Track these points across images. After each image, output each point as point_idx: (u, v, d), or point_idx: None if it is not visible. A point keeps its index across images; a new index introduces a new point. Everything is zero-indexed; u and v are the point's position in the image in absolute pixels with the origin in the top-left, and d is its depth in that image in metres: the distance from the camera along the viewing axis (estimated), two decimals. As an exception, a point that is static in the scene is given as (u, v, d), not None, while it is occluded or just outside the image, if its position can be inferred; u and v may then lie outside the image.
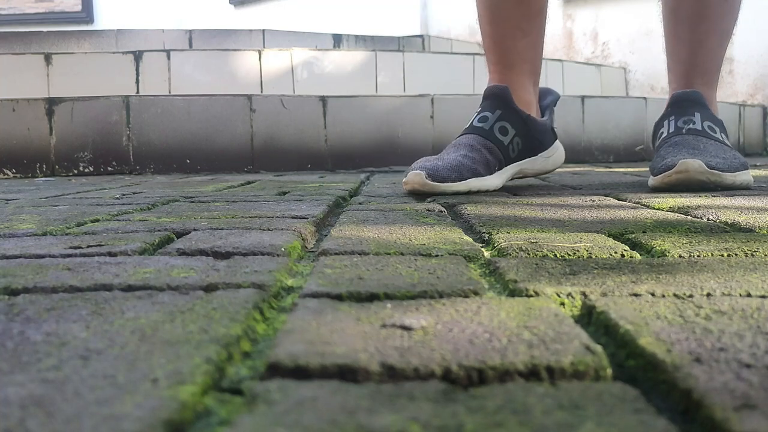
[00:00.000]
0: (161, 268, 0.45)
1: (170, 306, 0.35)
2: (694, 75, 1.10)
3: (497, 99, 1.08)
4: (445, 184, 0.96)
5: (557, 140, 1.17)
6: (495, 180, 1.04)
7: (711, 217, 0.69)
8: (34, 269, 0.45)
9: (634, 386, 0.25)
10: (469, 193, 1.00)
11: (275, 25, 3.70)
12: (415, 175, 0.95)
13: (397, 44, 3.36)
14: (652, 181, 1.01)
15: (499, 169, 1.05)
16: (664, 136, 1.08)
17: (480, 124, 1.06)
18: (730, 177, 0.97)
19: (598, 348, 0.28)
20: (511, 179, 1.11)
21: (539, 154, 1.12)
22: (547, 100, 1.17)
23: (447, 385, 0.25)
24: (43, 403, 0.23)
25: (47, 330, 0.31)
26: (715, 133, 1.06)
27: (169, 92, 2.25)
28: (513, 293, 0.39)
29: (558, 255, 0.50)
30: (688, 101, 1.08)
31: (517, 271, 0.44)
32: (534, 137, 1.10)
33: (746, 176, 1.01)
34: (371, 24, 4.02)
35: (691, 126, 1.05)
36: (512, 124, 1.07)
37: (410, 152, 1.93)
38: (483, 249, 0.55)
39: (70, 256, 0.51)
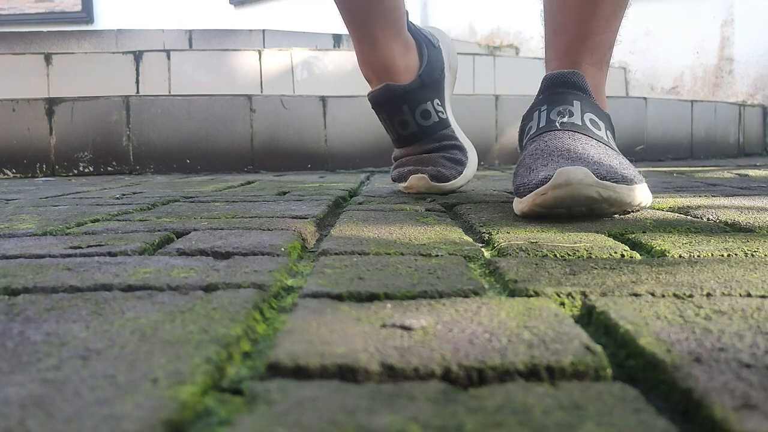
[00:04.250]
0: (161, 268, 0.45)
1: (170, 306, 0.35)
2: (581, 51, 0.82)
3: (390, 97, 1.00)
4: (448, 182, 1.00)
5: (437, 48, 1.07)
6: (473, 154, 1.04)
7: (711, 217, 0.69)
8: (34, 269, 0.45)
9: (634, 386, 0.25)
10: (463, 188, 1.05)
11: (275, 25, 3.70)
12: (419, 179, 0.99)
13: (397, 44, 3.35)
14: (519, 205, 0.71)
15: (460, 141, 1.04)
16: (532, 132, 0.79)
17: (406, 131, 1.02)
18: (626, 189, 0.67)
19: (598, 348, 0.28)
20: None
21: (445, 79, 1.06)
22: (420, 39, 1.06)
23: (447, 385, 0.25)
24: (43, 403, 0.23)
25: (47, 330, 0.31)
26: (599, 130, 0.76)
27: (169, 92, 2.25)
28: (513, 293, 0.39)
29: (558, 255, 0.50)
30: (567, 84, 0.79)
31: (517, 271, 0.44)
32: (433, 79, 1.03)
33: (646, 192, 0.72)
34: (371, 24, 4.01)
35: (566, 119, 0.76)
36: (422, 99, 1.00)
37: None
38: (483, 249, 0.55)
39: (70, 256, 0.51)
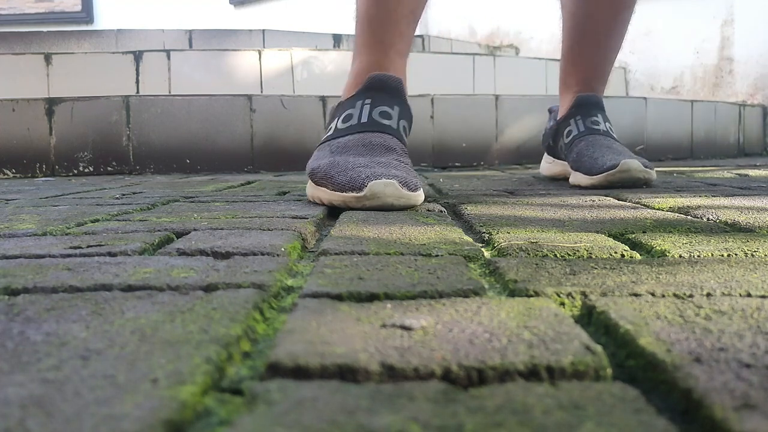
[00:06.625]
0: (161, 268, 0.45)
1: (170, 306, 0.35)
2: (595, 81, 1.30)
3: (395, 93, 0.94)
4: (416, 193, 0.80)
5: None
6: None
7: (711, 217, 0.69)
8: (34, 269, 0.45)
9: (634, 386, 0.25)
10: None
11: (275, 25, 3.70)
12: (387, 185, 0.77)
13: (397, 44, 3.35)
14: (589, 180, 1.13)
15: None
16: (574, 134, 1.25)
17: (387, 122, 0.92)
18: (653, 174, 1.12)
19: (598, 348, 0.28)
20: None
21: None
22: None
23: (447, 385, 0.25)
24: (43, 403, 0.23)
25: (47, 330, 0.31)
26: (613, 133, 1.25)
27: (169, 92, 2.25)
28: (513, 293, 0.39)
29: (558, 255, 0.50)
30: (591, 104, 1.26)
31: (517, 271, 0.44)
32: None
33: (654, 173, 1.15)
34: (371, 24, 4.01)
35: (596, 126, 1.23)
36: (408, 122, 0.96)
37: (410, 152, 1.92)
38: (483, 249, 0.55)
39: (70, 256, 0.51)
